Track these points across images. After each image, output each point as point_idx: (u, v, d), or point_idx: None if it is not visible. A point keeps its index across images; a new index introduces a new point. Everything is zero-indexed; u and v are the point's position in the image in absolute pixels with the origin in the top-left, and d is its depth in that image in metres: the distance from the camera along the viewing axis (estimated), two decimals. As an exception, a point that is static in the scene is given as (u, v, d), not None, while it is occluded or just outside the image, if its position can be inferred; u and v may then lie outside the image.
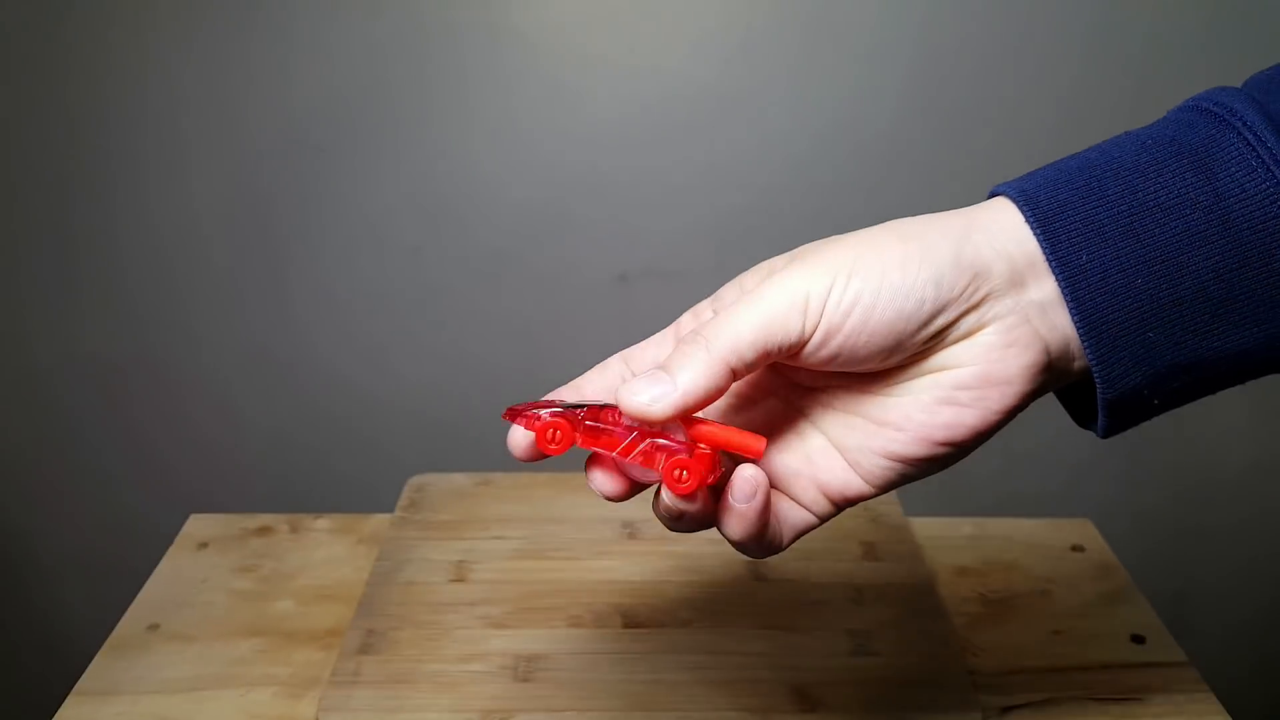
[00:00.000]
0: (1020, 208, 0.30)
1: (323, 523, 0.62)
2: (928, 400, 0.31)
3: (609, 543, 0.57)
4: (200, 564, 0.58)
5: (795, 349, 0.30)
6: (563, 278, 0.80)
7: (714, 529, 0.33)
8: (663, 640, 0.50)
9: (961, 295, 0.30)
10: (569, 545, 0.57)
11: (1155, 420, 0.33)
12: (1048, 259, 0.30)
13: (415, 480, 0.63)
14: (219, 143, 0.75)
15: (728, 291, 0.35)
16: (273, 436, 0.87)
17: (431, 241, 0.78)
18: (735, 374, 0.30)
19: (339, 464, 0.89)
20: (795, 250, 0.33)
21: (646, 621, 0.51)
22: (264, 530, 0.61)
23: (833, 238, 0.32)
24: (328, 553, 0.59)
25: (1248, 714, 0.54)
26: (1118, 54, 0.72)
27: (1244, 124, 0.30)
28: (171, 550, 0.59)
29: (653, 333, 0.37)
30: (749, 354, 0.30)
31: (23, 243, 0.79)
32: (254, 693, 0.48)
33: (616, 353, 0.35)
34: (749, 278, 0.35)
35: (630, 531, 0.58)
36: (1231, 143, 0.30)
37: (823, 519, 0.34)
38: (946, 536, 0.60)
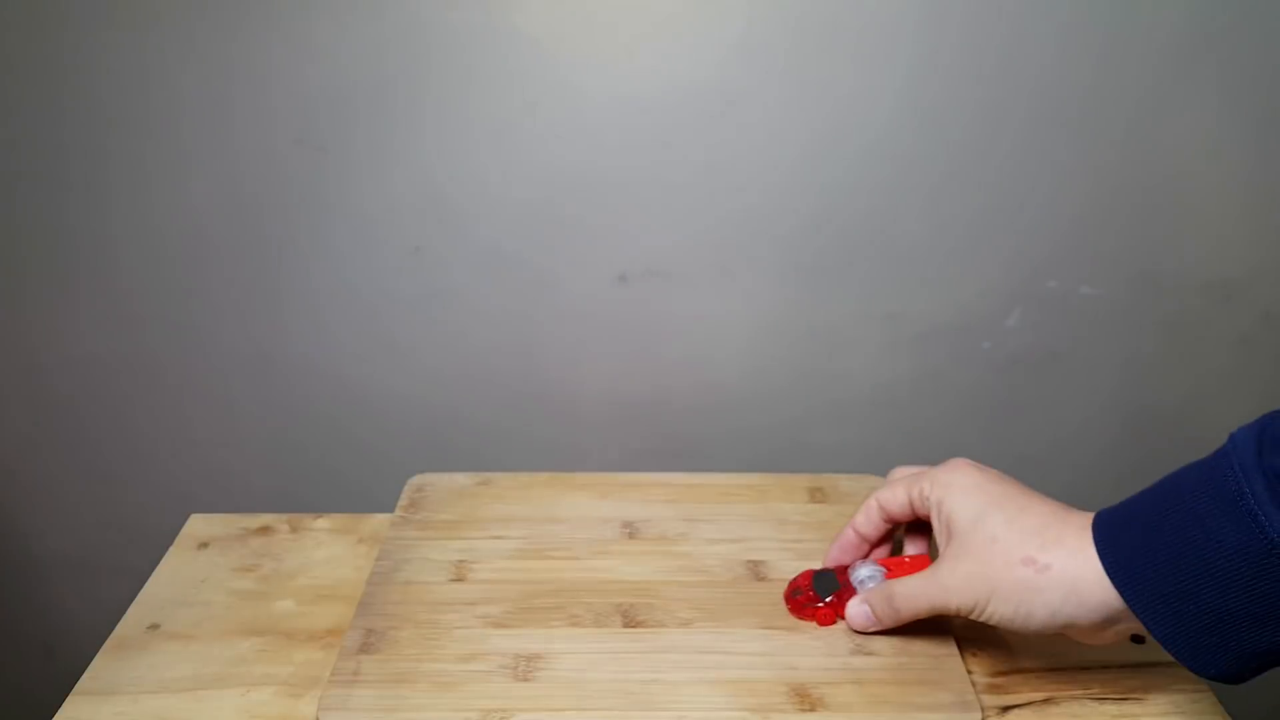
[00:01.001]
0: (1103, 565, 0.42)
1: (323, 522, 0.62)
2: None
3: (609, 542, 0.57)
4: (200, 564, 0.58)
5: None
6: (563, 278, 0.80)
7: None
8: (663, 640, 0.50)
9: (1056, 634, 0.44)
10: (569, 545, 0.57)
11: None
12: (1125, 605, 0.41)
13: (415, 480, 0.63)
14: (218, 142, 0.75)
15: (934, 503, 0.49)
16: (273, 436, 0.88)
17: (432, 241, 0.78)
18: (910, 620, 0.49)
19: (339, 464, 0.89)
20: (955, 510, 0.47)
21: (646, 621, 0.51)
22: (264, 530, 0.61)
23: (976, 532, 0.46)
24: (328, 552, 0.59)
25: (1246, 714, 0.54)
26: (1119, 56, 0.72)
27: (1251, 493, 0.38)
28: (172, 550, 0.59)
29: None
30: (923, 615, 0.48)
31: (24, 241, 0.79)
32: (254, 692, 0.49)
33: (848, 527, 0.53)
34: (939, 515, 0.48)
35: (630, 531, 0.58)
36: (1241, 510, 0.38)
37: None
38: (946, 536, 0.60)
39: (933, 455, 0.53)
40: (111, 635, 0.52)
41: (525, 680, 0.47)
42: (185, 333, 0.83)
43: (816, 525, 0.59)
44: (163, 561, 0.58)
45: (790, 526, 0.59)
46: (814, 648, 0.50)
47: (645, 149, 0.75)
